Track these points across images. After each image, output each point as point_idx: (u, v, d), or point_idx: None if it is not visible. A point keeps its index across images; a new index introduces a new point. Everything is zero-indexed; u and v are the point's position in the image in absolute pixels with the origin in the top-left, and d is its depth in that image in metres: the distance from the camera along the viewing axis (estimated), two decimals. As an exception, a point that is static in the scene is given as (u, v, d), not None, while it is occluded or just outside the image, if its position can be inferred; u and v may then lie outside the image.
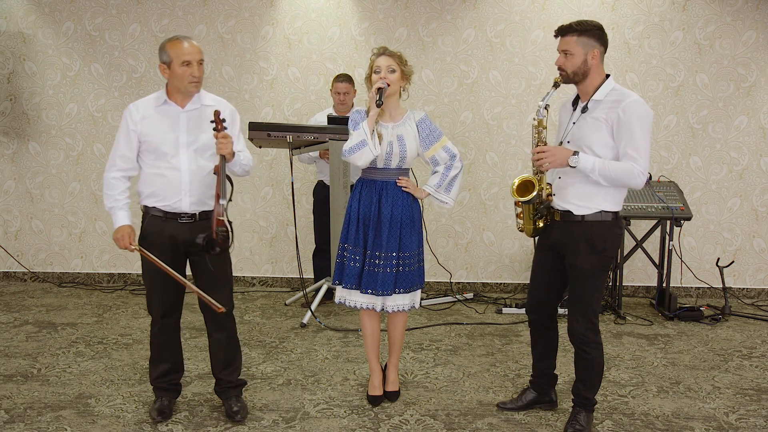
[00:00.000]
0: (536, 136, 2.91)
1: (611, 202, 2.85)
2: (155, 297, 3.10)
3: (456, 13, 5.39)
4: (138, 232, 3.07)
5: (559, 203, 2.92)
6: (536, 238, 3.14)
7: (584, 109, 2.85)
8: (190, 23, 5.50)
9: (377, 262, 3.17)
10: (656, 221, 5.03)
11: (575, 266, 2.88)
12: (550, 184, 2.94)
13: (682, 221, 4.85)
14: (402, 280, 3.21)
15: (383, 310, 3.25)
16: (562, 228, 2.92)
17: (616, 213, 2.88)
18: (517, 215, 3.05)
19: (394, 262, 3.17)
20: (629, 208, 4.88)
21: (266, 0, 5.46)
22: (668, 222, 4.85)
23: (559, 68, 2.84)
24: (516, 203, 3.02)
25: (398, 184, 3.20)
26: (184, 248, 3.06)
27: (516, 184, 2.94)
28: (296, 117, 5.52)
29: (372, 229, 3.18)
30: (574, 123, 2.89)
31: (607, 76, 2.86)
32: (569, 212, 2.88)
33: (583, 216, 2.85)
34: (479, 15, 5.37)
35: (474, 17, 5.38)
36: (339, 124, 4.44)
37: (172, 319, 3.17)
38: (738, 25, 5.23)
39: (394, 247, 3.17)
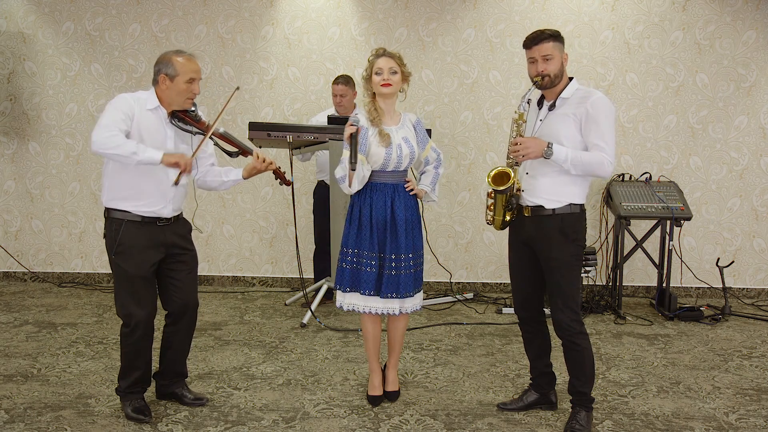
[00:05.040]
0: (515, 129, 3.00)
1: (578, 195, 3.00)
2: (138, 301, 3.04)
3: (456, 13, 5.39)
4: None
5: (530, 199, 3.01)
6: (508, 238, 3.19)
7: (551, 107, 2.99)
8: (190, 23, 5.50)
9: (398, 265, 3.17)
10: (656, 221, 5.03)
11: (551, 258, 2.96)
12: (518, 179, 3.05)
13: (682, 221, 4.85)
14: (417, 279, 3.27)
15: (402, 312, 3.27)
16: (533, 222, 3.01)
17: (582, 205, 3.03)
18: (488, 207, 3.12)
19: (411, 263, 3.21)
20: (629, 208, 4.88)
21: (266, 0, 5.46)
22: (668, 222, 4.85)
23: (541, 74, 2.92)
24: (489, 194, 3.09)
25: (408, 187, 3.24)
26: (165, 250, 3.08)
27: (492, 174, 3.00)
28: (296, 117, 5.52)
29: (389, 233, 3.18)
30: (541, 120, 3.02)
31: (570, 78, 3.02)
32: (540, 207, 2.99)
33: (554, 209, 2.97)
34: (479, 15, 5.37)
35: (474, 17, 5.38)
36: (339, 124, 4.44)
37: (152, 321, 3.14)
38: (738, 25, 5.23)
39: (410, 248, 3.21)
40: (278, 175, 3.29)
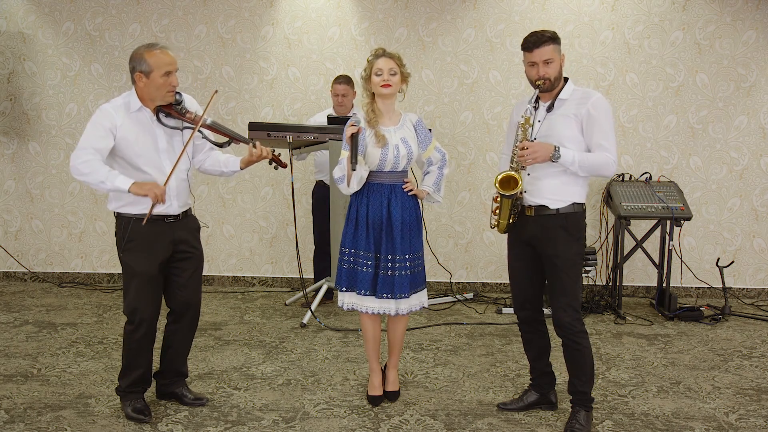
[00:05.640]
0: (521, 133, 2.98)
1: (581, 193, 3.02)
2: (144, 298, 3.05)
3: (456, 13, 5.39)
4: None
5: (533, 199, 3.01)
6: (508, 239, 3.19)
7: (549, 108, 2.98)
8: (190, 23, 5.50)
9: (393, 266, 3.17)
10: (656, 221, 5.03)
11: (556, 256, 2.96)
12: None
13: (682, 221, 4.85)
14: (415, 281, 3.25)
15: (398, 313, 3.26)
16: (536, 222, 3.00)
17: (583, 204, 3.04)
18: (493, 211, 3.11)
19: (408, 264, 3.20)
20: (629, 208, 4.88)
21: (266, 0, 5.46)
22: (668, 222, 4.85)
23: (543, 78, 2.91)
24: (495, 199, 3.09)
25: (405, 188, 3.22)
26: (173, 247, 3.09)
27: (499, 179, 2.99)
28: (296, 117, 5.52)
29: (384, 234, 3.18)
30: (540, 121, 3.01)
31: (566, 79, 3.02)
32: (544, 206, 2.98)
33: (558, 209, 2.97)
34: (479, 15, 5.37)
35: (474, 17, 5.38)
36: (339, 124, 4.44)
37: (156, 320, 3.14)
38: (738, 25, 5.23)
39: (407, 249, 3.20)
40: (274, 159, 3.27)
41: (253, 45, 5.50)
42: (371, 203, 3.20)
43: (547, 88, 2.94)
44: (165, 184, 2.95)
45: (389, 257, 3.17)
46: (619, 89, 5.33)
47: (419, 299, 3.32)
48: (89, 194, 5.72)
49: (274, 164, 3.31)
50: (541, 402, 3.27)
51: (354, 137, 3.09)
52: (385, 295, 3.18)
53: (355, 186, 3.16)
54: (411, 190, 3.24)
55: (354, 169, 3.10)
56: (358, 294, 3.22)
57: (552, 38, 2.91)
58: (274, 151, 3.25)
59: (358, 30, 5.44)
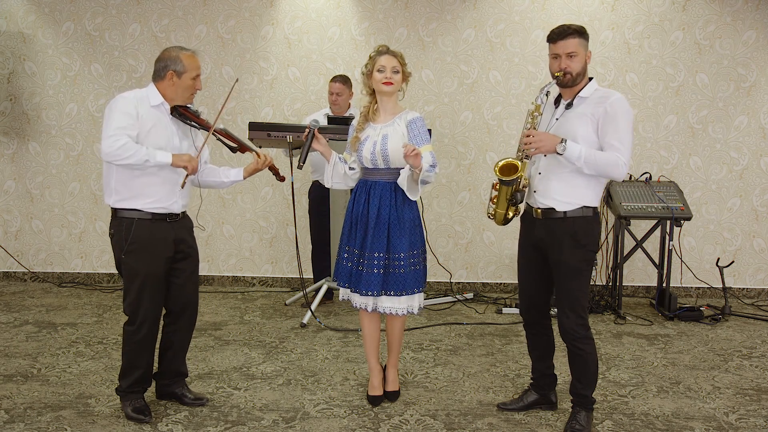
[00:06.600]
0: (530, 120, 2.94)
1: (592, 197, 2.93)
2: (148, 299, 3.05)
3: (456, 13, 5.39)
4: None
5: (541, 200, 2.96)
6: (519, 240, 3.16)
7: (569, 106, 2.92)
8: (190, 23, 5.50)
9: (363, 262, 3.17)
10: (656, 221, 5.03)
11: (561, 262, 2.92)
12: (525, 175, 2.99)
13: (682, 221, 4.85)
14: (391, 282, 3.17)
15: (376, 310, 3.26)
16: (544, 225, 2.96)
17: (595, 208, 2.96)
18: (491, 199, 3.07)
19: (382, 263, 3.15)
20: (629, 208, 4.88)
21: (266, 0, 5.46)
22: (668, 222, 4.85)
23: (564, 71, 2.85)
24: (494, 185, 3.05)
25: (405, 152, 2.90)
26: (174, 246, 3.10)
27: (500, 164, 2.95)
28: (296, 117, 5.52)
29: (360, 229, 3.20)
30: (557, 119, 2.96)
31: (590, 78, 2.96)
32: (552, 209, 2.93)
33: (565, 212, 2.91)
34: (479, 15, 5.37)
35: (474, 17, 5.38)
36: (338, 124, 4.45)
37: (158, 321, 3.15)
38: (738, 25, 5.23)
39: (380, 247, 3.14)
40: (274, 171, 3.40)
41: (253, 45, 5.51)
42: (356, 199, 3.24)
43: (567, 82, 2.87)
44: (197, 156, 3.08)
45: (365, 253, 3.18)
46: (619, 89, 5.32)
47: (406, 303, 3.21)
48: (89, 194, 5.72)
49: (274, 175, 3.44)
50: (541, 402, 3.26)
51: (307, 137, 3.22)
52: (353, 289, 3.22)
53: (329, 181, 3.33)
54: (412, 152, 2.88)
55: (299, 167, 3.21)
56: (338, 285, 3.32)
57: (578, 32, 2.83)
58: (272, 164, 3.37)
59: (358, 30, 5.44)
